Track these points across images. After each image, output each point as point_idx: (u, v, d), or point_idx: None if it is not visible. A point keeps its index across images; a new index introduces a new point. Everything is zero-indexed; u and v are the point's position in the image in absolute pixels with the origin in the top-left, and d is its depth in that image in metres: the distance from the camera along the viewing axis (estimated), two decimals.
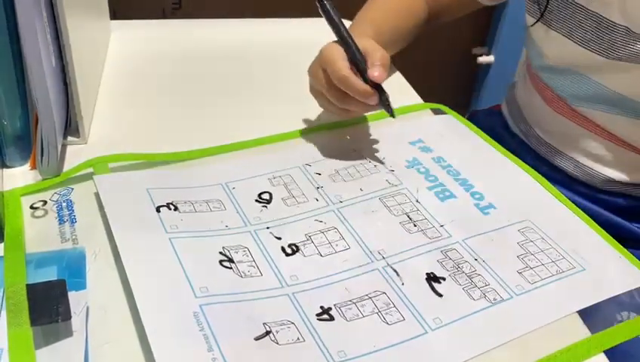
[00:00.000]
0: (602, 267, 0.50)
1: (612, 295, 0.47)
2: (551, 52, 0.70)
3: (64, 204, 0.52)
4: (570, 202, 0.57)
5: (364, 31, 0.65)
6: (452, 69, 1.69)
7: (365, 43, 0.57)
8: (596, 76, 0.66)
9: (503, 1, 0.79)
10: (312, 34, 0.88)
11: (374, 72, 0.55)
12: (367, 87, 0.55)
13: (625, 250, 0.52)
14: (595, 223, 0.54)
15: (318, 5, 0.57)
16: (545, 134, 0.75)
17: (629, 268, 0.50)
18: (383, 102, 0.56)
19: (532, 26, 0.71)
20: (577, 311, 0.46)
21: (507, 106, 0.85)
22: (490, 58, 1.69)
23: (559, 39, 0.67)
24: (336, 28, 0.57)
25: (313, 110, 0.66)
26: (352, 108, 0.58)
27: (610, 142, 0.69)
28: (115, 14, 0.84)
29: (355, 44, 0.56)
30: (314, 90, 0.61)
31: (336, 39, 0.58)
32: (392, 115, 0.57)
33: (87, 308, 0.42)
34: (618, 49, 0.62)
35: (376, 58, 0.55)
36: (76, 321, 0.41)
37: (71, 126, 0.61)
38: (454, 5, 0.79)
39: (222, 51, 0.82)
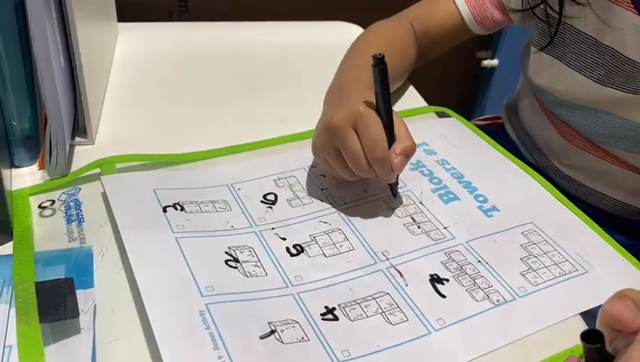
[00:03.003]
0: (605, 269, 0.50)
1: None
2: (565, 88, 0.66)
3: (72, 204, 0.53)
4: (574, 205, 0.57)
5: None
6: (456, 73, 1.69)
7: (398, 120, 0.52)
8: (621, 112, 0.63)
9: (502, 27, 0.75)
10: (317, 37, 0.89)
11: (395, 162, 0.50)
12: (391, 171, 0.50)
13: (627, 252, 0.52)
14: (597, 226, 0.55)
15: (373, 67, 0.50)
16: (565, 168, 0.72)
17: (631, 271, 0.50)
18: (395, 183, 0.55)
19: (536, 53, 0.67)
20: (580, 314, 0.46)
21: (514, 130, 0.81)
22: (494, 62, 1.70)
23: (573, 75, 0.64)
24: (386, 97, 0.51)
25: (318, 112, 0.66)
26: (355, 178, 0.53)
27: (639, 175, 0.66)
28: (122, 16, 0.84)
29: (392, 117, 0.51)
30: (324, 146, 0.53)
31: (374, 103, 0.51)
32: (394, 196, 0.55)
33: (95, 306, 0.43)
34: (638, 83, 0.59)
35: (404, 147, 0.50)
36: (84, 319, 0.41)
37: (79, 127, 0.61)
38: (446, 38, 0.73)
39: (228, 53, 0.82)
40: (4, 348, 0.39)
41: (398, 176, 0.54)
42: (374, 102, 0.51)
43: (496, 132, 0.70)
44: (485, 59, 1.70)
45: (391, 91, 0.68)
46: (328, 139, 0.51)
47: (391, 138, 0.51)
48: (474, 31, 0.73)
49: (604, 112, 0.64)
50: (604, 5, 0.60)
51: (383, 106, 0.51)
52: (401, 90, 0.74)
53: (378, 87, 0.50)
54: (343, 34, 0.79)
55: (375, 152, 0.48)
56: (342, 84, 0.61)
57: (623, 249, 0.52)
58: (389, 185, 0.55)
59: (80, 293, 0.43)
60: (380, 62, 0.50)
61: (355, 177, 0.52)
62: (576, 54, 0.64)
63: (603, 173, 0.69)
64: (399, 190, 0.57)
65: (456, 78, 1.73)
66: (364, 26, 0.79)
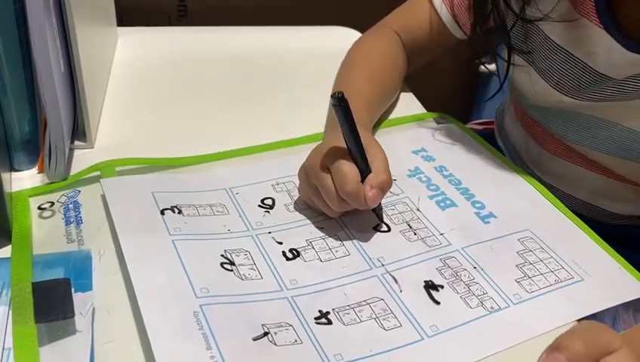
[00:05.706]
0: (601, 277, 0.50)
1: (610, 305, 0.47)
2: (536, 95, 0.66)
3: (71, 206, 0.53)
4: (571, 212, 0.57)
5: (360, 116, 0.57)
6: (454, 78, 1.69)
7: (373, 149, 0.53)
8: (589, 111, 0.62)
9: None
10: (316, 42, 0.89)
11: (370, 195, 0.50)
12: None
13: (624, 260, 0.52)
14: (595, 234, 0.55)
15: (334, 106, 0.50)
16: (544, 175, 0.72)
17: (627, 279, 0.50)
18: (378, 208, 0.55)
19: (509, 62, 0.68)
20: (575, 321, 0.46)
21: (501, 138, 0.81)
22: (493, 66, 1.70)
23: (545, 86, 0.64)
24: (352, 134, 0.51)
25: (317, 117, 0.67)
26: (336, 214, 0.53)
27: (614, 180, 0.66)
28: (122, 21, 0.85)
29: (362, 150, 0.51)
30: (306, 186, 0.54)
31: (342, 135, 0.52)
32: (380, 220, 0.54)
33: (94, 309, 0.43)
34: (606, 93, 0.59)
35: (379, 181, 0.51)
36: (82, 321, 0.41)
37: (78, 130, 0.62)
38: (435, 46, 0.74)
39: (227, 58, 0.82)
40: (3, 349, 0.40)
41: (380, 204, 0.54)
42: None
43: (491, 137, 0.70)
44: (484, 63, 1.70)
45: (385, 107, 0.69)
46: (307, 179, 0.54)
47: (367, 171, 0.51)
48: (461, 38, 0.72)
49: (577, 112, 0.64)
50: (574, 19, 0.59)
51: (351, 143, 0.51)
52: (400, 96, 0.75)
53: (343, 125, 0.51)
54: (341, 38, 0.79)
55: (344, 188, 0.50)
56: (326, 122, 0.65)
57: (620, 256, 0.52)
58: (373, 210, 0.55)
59: (78, 296, 0.43)
60: (340, 102, 0.50)
61: (335, 213, 0.53)
62: (546, 64, 0.63)
63: (579, 179, 0.69)
64: (397, 196, 0.57)
65: (455, 82, 1.73)
66: (362, 30, 0.79)
